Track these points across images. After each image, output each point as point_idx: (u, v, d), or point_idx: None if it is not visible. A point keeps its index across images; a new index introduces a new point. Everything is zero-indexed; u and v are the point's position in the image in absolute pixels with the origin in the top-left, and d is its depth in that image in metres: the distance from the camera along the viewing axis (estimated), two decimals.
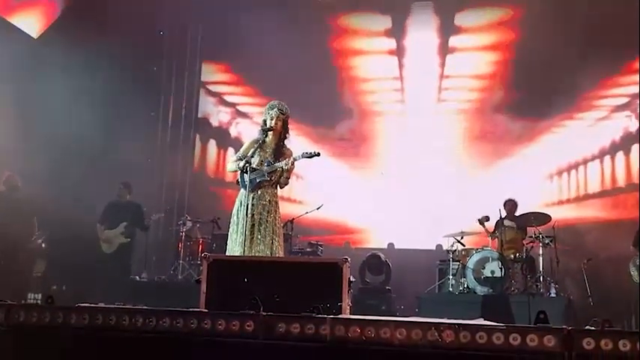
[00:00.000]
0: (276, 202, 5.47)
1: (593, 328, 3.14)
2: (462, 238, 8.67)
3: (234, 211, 5.45)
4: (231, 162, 5.63)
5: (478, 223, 8.58)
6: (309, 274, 4.07)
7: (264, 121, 5.56)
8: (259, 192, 5.39)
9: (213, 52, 12.40)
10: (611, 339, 2.89)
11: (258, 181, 5.37)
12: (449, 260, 8.54)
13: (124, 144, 9.73)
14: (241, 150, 5.63)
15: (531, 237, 8.29)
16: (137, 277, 9.10)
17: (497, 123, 11.06)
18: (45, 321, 3.52)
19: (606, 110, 10.76)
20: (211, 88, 12.56)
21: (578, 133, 10.77)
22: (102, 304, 4.19)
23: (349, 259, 4.05)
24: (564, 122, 10.80)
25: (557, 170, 10.85)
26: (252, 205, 5.32)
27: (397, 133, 11.54)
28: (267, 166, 5.39)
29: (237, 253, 5.18)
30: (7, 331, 3.54)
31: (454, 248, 8.59)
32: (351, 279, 4.13)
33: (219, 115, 12.43)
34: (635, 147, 10.29)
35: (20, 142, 8.41)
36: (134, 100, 10.07)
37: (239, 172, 5.45)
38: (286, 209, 5.71)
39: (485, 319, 4.33)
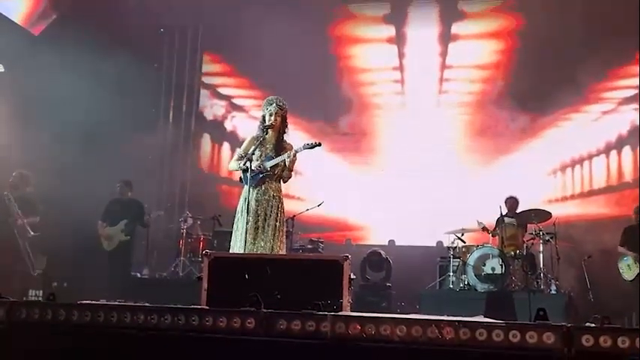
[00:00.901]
0: (280, 197, 5.49)
1: (592, 325, 3.15)
2: (462, 235, 8.68)
3: (239, 207, 5.47)
4: (233, 161, 5.66)
5: (477, 224, 8.59)
6: (310, 272, 4.08)
7: (263, 117, 5.57)
8: (263, 187, 5.41)
9: (210, 42, 12.26)
10: (610, 336, 2.90)
11: (260, 176, 5.39)
12: (449, 257, 8.56)
13: (125, 141, 9.73)
14: (241, 148, 5.65)
15: (532, 234, 8.29)
16: (138, 274, 9.14)
17: (499, 117, 10.77)
18: (47, 318, 3.53)
19: (613, 103, 10.44)
20: (205, 79, 12.43)
21: (583, 126, 10.51)
22: (103, 301, 4.21)
23: (350, 257, 4.06)
24: (570, 115, 10.51)
25: (561, 166, 10.67)
26: (257, 200, 5.35)
27: (398, 127, 11.39)
28: (269, 160, 5.41)
29: (240, 249, 5.21)
30: (8, 328, 3.56)
31: (455, 245, 8.60)
32: (352, 276, 4.15)
33: (213, 109, 12.26)
34: None
35: (20, 141, 8.42)
36: (135, 97, 10.07)
37: (241, 170, 5.47)
38: (287, 206, 5.69)
39: (487, 317, 4.35)
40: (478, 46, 11.28)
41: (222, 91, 12.39)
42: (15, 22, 9.43)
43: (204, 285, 4.07)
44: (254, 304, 3.38)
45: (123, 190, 8.89)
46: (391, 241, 10.77)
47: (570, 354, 2.92)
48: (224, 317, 3.32)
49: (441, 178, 10.73)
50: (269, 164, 5.40)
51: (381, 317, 3.30)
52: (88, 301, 3.92)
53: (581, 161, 10.63)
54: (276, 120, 5.51)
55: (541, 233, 8.10)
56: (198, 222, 9.77)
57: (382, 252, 9.41)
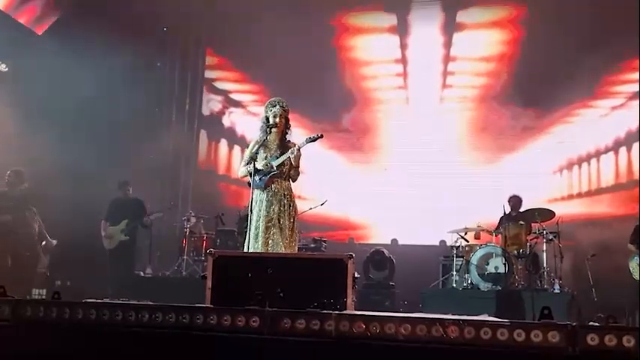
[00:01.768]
0: (292, 197, 5.51)
1: (597, 324, 3.15)
2: (465, 233, 8.65)
3: (250, 208, 5.47)
4: (242, 167, 5.68)
5: (477, 228, 8.59)
6: (314, 270, 4.09)
7: (267, 119, 5.59)
8: (273, 187, 5.43)
9: (210, 39, 12.20)
10: (615, 335, 2.90)
11: (269, 176, 5.41)
12: (452, 256, 8.53)
13: (128, 140, 9.72)
14: (247, 153, 5.69)
15: (535, 233, 8.28)
16: (141, 273, 9.15)
17: (504, 113, 10.60)
18: (51, 316, 3.54)
19: (624, 97, 10.16)
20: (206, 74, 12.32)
21: (591, 122, 10.29)
22: (107, 300, 4.22)
23: (354, 256, 4.06)
24: (577, 111, 10.29)
25: (568, 163, 10.50)
26: (268, 200, 5.37)
27: (400, 123, 11.29)
28: (275, 160, 5.43)
29: (252, 249, 5.23)
30: (13, 326, 3.56)
31: (458, 244, 8.58)
32: (356, 275, 4.15)
33: (209, 104, 12.14)
34: None
35: (22, 140, 8.43)
36: (138, 96, 10.07)
37: (249, 175, 5.48)
38: None
39: (496, 317, 4.34)
40: (483, 37, 11.00)
41: (219, 85, 12.25)
42: (18, 21, 9.42)
43: (209, 284, 4.07)
44: (258, 302, 3.39)
45: (122, 189, 8.93)
46: (394, 240, 10.76)
47: (575, 353, 2.92)
48: (228, 316, 3.32)
49: (444, 176, 10.69)
50: (276, 163, 5.42)
51: (386, 316, 3.31)
52: (92, 300, 3.92)
53: (588, 158, 10.42)
54: (280, 121, 5.54)
55: (544, 232, 8.08)
56: (202, 221, 9.79)
57: (385, 251, 9.41)
